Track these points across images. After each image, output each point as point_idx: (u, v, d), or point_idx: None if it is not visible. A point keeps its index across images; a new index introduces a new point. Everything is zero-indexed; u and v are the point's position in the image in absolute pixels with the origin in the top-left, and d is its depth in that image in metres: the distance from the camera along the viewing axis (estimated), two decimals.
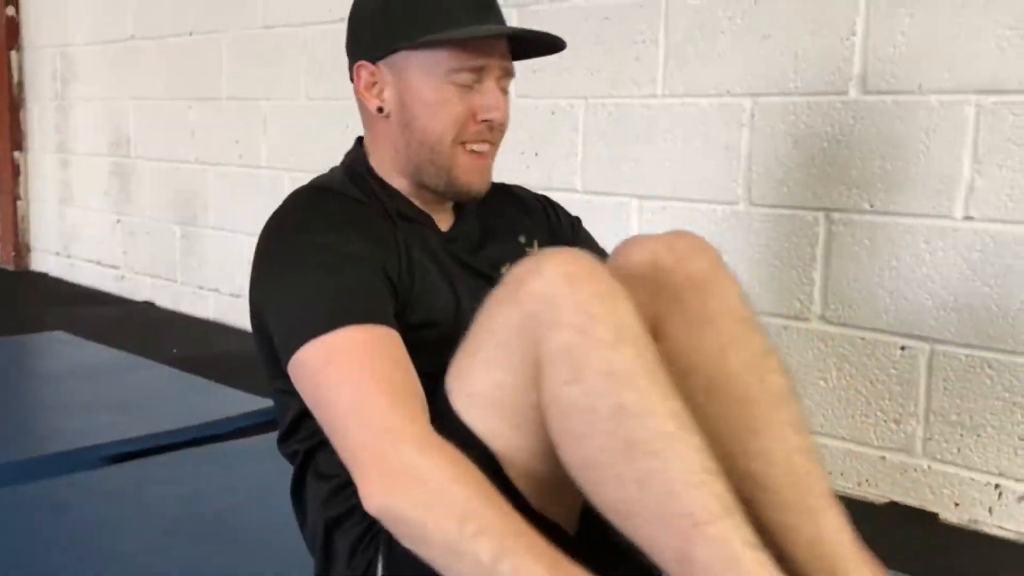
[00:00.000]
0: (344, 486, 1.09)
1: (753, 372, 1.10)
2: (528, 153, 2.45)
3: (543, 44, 1.19)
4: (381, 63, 1.15)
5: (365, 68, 1.16)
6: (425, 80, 1.13)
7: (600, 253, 1.30)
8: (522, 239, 1.28)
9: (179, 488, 1.79)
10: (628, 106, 2.25)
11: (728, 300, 1.12)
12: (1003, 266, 1.73)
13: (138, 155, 3.86)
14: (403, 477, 0.93)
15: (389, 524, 0.95)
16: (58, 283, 4.31)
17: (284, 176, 3.15)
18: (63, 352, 2.91)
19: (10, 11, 4.43)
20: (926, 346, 1.83)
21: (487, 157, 1.18)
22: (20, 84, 4.50)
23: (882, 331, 1.88)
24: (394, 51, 1.14)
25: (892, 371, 1.88)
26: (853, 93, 1.88)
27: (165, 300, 3.77)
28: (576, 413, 0.94)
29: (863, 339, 1.91)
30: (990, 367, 1.76)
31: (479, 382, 1.01)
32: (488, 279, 1.16)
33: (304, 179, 1.25)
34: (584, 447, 0.94)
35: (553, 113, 2.40)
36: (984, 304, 1.75)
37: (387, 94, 1.16)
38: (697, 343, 1.09)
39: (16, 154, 4.54)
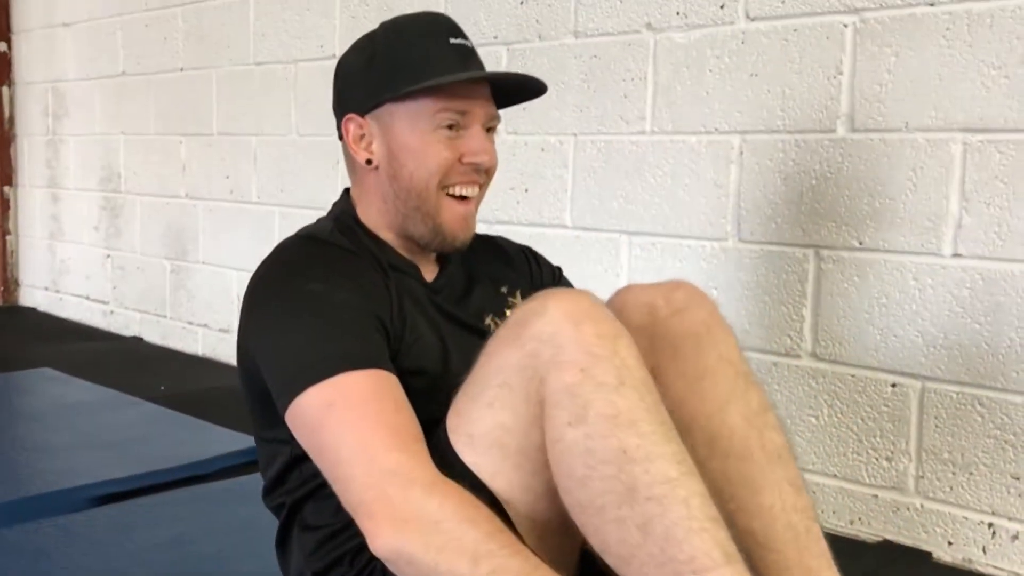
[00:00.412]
0: (331, 537, 1.09)
1: (753, 428, 1.10)
2: (518, 189, 2.46)
3: (525, 88, 1.21)
4: (369, 116, 1.17)
5: (353, 122, 1.18)
6: (412, 129, 1.14)
7: None
8: (504, 289, 1.30)
9: (166, 531, 1.76)
10: (617, 143, 2.25)
11: (727, 353, 1.13)
12: (992, 303, 1.73)
13: (128, 190, 3.86)
14: (413, 520, 0.93)
15: (398, 567, 0.95)
16: (47, 318, 4.29)
17: (275, 212, 3.15)
18: (49, 389, 2.88)
19: (1, 47, 4.44)
20: (917, 383, 1.82)
21: (472, 203, 1.19)
22: (11, 119, 4.51)
23: (873, 368, 1.88)
24: (381, 104, 1.16)
25: (883, 408, 1.87)
26: (841, 131, 1.89)
27: (154, 335, 3.75)
28: (578, 455, 0.94)
29: (853, 376, 1.90)
30: (981, 405, 1.75)
31: (481, 423, 1.01)
32: (472, 329, 1.20)
33: (294, 214, 1.26)
34: (586, 489, 0.94)
35: (543, 150, 2.40)
36: (974, 341, 1.75)
37: (375, 146, 1.17)
38: (697, 397, 1.09)
39: (6, 189, 4.54)
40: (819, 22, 1.91)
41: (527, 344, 0.97)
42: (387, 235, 1.21)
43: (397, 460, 0.96)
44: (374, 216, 1.21)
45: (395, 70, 1.14)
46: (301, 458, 1.11)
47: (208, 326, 3.49)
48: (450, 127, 1.14)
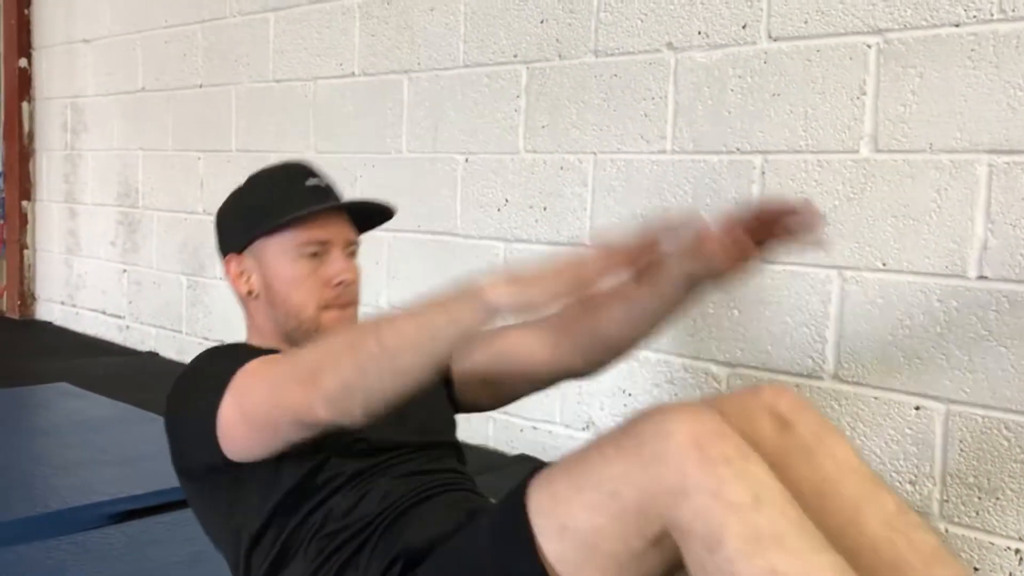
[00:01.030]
0: None
1: (896, 532, 1.04)
2: (536, 207, 2.45)
3: (381, 212, 1.39)
4: (245, 253, 1.34)
5: (233, 260, 1.36)
6: (281, 260, 1.31)
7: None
8: None
9: (183, 548, 1.75)
10: (637, 162, 2.25)
11: (845, 459, 1.09)
12: (1019, 326, 1.71)
13: (146, 206, 3.87)
14: (312, 375, 1.04)
15: (334, 414, 1.04)
16: (63, 332, 4.30)
17: None
18: (65, 404, 2.88)
19: (22, 63, 4.48)
20: (941, 406, 1.80)
21: (349, 312, 1.35)
22: (30, 134, 4.54)
23: (896, 391, 1.86)
24: (253, 239, 1.32)
25: (907, 431, 1.85)
26: (864, 151, 1.88)
27: (169, 351, 3.75)
28: None
29: (877, 398, 1.88)
30: (1007, 429, 1.73)
31: (578, 520, 0.99)
32: None
33: None
34: None
35: (562, 168, 2.40)
36: (1000, 365, 1.73)
37: (254, 279, 1.34)
38: (820, 514, 1.00)
39: (24, 203, 4.56)
40: (842, 43, 1.90)
41: (649, 466, 0.95)
42: (280, 346, 1.34)
43: (282, 364, 1.12)
44: (265, 336, 1.37)
45: (264, 210, 1.32)
46: (259, 533, 1.21)
47: (224, 342, 3.48)
48: (313, 254, 1.30)
